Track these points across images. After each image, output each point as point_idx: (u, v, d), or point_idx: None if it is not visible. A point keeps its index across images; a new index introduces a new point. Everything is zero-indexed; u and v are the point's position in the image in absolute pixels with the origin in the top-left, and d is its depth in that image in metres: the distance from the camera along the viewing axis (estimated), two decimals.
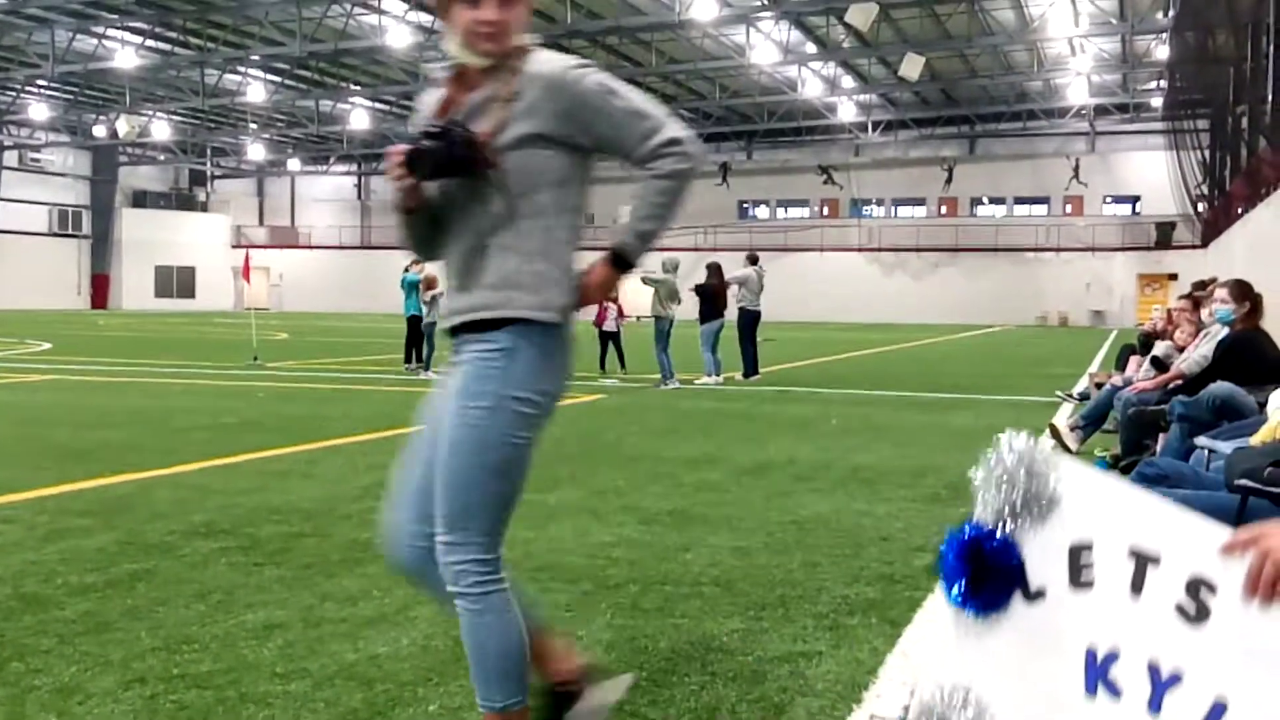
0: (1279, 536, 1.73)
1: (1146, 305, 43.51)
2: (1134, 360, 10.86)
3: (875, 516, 6.19)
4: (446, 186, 2.59)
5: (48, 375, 16.09)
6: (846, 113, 54.20)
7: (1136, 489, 2.05)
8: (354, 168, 71.57)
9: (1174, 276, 49.49)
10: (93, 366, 17.84)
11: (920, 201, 62.05)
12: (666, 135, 2.54)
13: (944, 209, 61.52)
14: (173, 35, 42.81)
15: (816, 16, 39.05)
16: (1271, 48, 18.56)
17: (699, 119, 56.09)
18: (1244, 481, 3.20)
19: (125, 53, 43.20)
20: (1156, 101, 48.57)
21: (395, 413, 10.86)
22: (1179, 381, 7.84)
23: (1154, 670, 1.82)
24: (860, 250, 61.07)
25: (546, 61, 2.57)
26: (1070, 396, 12.92)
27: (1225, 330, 7.57)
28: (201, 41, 42.01)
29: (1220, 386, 6.55)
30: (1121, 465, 7.42)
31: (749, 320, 16.71)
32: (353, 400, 13.12)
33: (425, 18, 38.61)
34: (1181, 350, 8.66)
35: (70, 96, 53.62)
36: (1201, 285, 11.20)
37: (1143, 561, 1.85)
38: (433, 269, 10.35)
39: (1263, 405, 5.74)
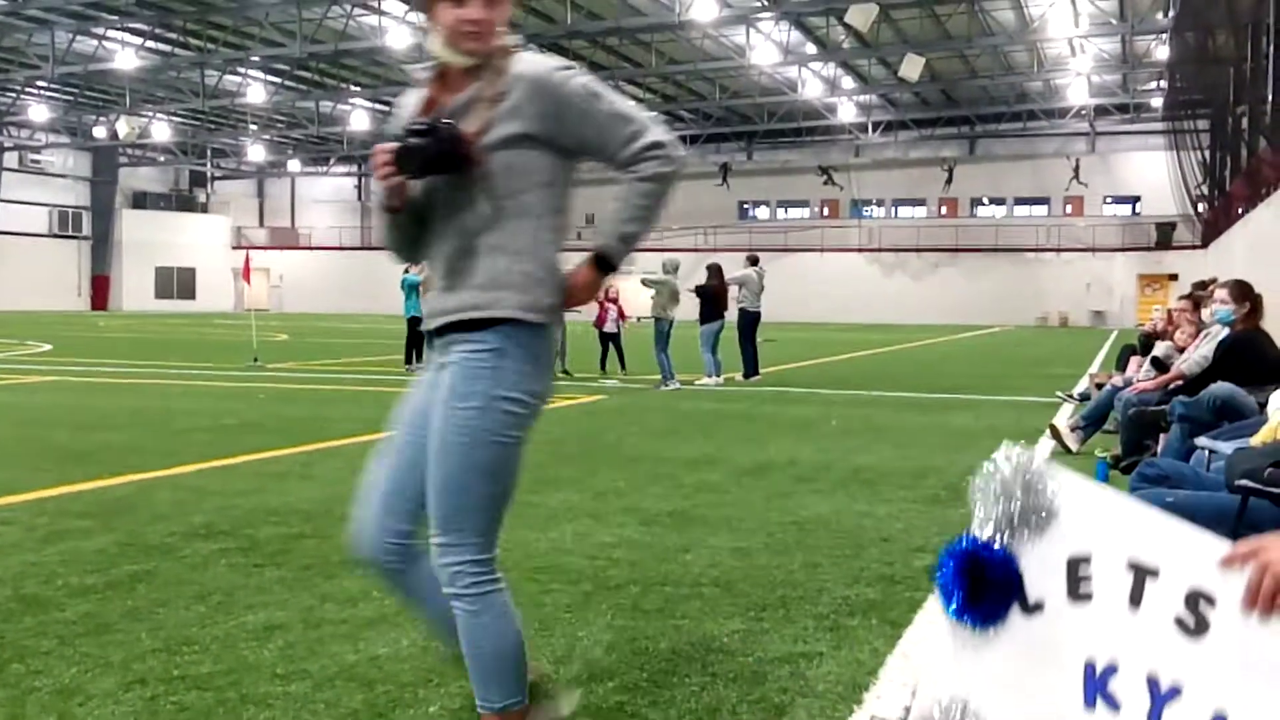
0: (1278, 549, 1.72)
1: (1147, 306, 43.52)
2: (1134, 361, 10.85)
3: (876, 517, 6.19)
4: (432, 186, 2.58)
5: (48, 377, 16.09)
6: (846, 113, 54.20)
7: (1135, 501, 2.05)
8: (354, 169, 71.52)
9: (1174, 277, 49.49)
10: (93, 368, 17.84)
11: (920, 202, 62.07)
12: (649, 139, 2.55)
13: (944, 209, 61.54)
14: (173, 36, 42.85)
15: (816, 17, 39.06)
16: (1271, 48, 18.58)
17: (699, 120, 56.14)
18: (1244, 482, 3.20)
19: (125, 54, 43.22)
20: (1157, 102, 48.58)
21: None
22: (1179, 382, 7.84)
23: (1153, 683, 1.81)
24: (860, 251, 61.07)
25: (531, 63, 2.57)
26: (1071, 397, 12.91)
27: (1225, 331, 7.57)
28: (201, 42, 42.05)
29: (1220, 387, 6.56)
30: (1122, 466, 7.42)
31: (749, 321, 16.70)
32: (353, 402, 13.12)
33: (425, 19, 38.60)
34: (1182, 351, 8.66)
35: (70, 98, 53.63)
36: (1202, 285, 11.20)
37: (1141, 574, 1.84)
38: None
39: (1263, 405, 5.75)
